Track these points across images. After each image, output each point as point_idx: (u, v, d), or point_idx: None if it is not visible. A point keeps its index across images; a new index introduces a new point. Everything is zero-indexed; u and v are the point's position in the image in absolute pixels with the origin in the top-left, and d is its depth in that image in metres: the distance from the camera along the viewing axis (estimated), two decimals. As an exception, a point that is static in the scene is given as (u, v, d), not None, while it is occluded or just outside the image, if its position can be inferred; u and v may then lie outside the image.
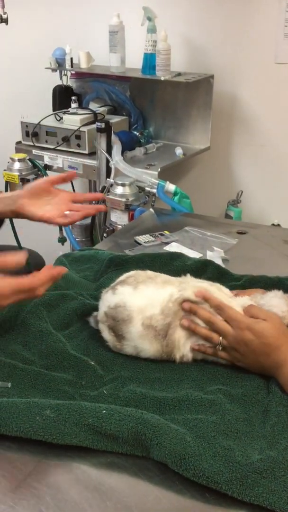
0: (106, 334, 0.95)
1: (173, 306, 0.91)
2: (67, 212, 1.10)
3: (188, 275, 1.01)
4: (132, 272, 1.00)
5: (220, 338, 0.89)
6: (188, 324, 0.91)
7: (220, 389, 0.85)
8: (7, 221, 2.33)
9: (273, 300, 0.92)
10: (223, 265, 1.27)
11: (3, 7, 1.95)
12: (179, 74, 2.06)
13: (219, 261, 1.30)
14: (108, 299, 0.96)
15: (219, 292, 0.94)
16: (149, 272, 1.00)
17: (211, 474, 0.69)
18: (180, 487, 0.71)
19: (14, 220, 2.31)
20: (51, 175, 1.12)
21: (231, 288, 1.08)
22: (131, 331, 0.92)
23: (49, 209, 1.10)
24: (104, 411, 0.76)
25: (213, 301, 0.91)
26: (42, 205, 1.09)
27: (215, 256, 1.35)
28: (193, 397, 0.83)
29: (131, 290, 0.94)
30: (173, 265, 1.20)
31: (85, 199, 1.17)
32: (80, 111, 2.18)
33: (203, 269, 1.19)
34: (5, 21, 1.96)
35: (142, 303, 0.92)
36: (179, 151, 2.12)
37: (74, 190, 2.51)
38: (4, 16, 1.96)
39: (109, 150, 1.99)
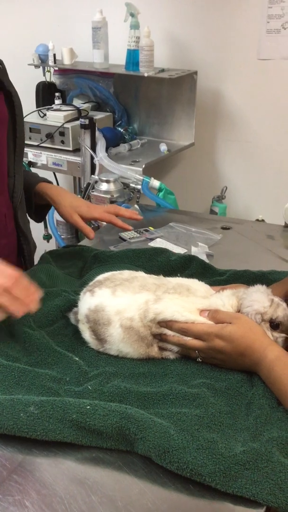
0: (88, 337, 0.96)
1: (148, 328, 0.93)
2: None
3: (161, 276, 1.01)
4: (108, 274, 1.01)
5: (197, 352, 0.91)
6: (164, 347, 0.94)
7: (204, 382, 0.86)
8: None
9: (255, 295, 0.93)
10: (207, 261, 1.28)
11: (-16, 2, 1.94)
12: (162, 70, 2.06)
13: (203, 257, 1.31)
14: (87, 301, 0.96)
15: (187, 297, 0.94)
16: (126, 274, 1.00)
17: (194, 467, 0.70)
18: (164, 480, 0.72)
19: None
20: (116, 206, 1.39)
21: (215, 283, 1.09)
22: (112, 334, 0.92)
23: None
24: (88, 407, 0.76)
25: (175, 327, 0.92)
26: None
27: (200, 251, 1.35)
28: (177, 391, 0.83)
29: (109, 293, 0.95)
30: (157, 261, 1.21)
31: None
32: (64, 107, 2.18)
33: (187, 265, 1.20)
34: (-13, 17, 1.95)
35: (120, 308, 0.93)
36: (163, 147, 2.12)
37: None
38: (-14, 12, 1.95)
39: (93, 146, 1.99)
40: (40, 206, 1.36)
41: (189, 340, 0.91)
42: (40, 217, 1.41)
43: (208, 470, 0.70)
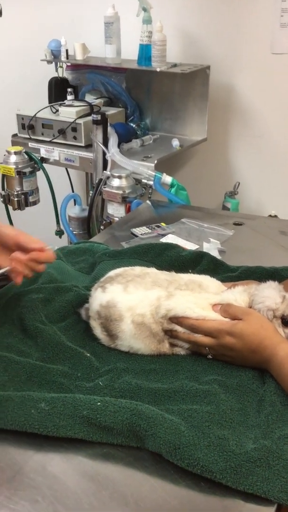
0: (99, 333, 0.96)
1: (159, 324, 0.92)
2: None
3: (173, 272, 1.01)
4: (119, 270, 1.01)
5: (207, 349, 0.91)
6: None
7: (215, 379, 0.86)
8: (3, 216, 2.33)
9: (266, 291, 0.92)
10: (219, 257, 1.27)
11: (-3, -2, 1.93)
12: (175, 65, 2.05)
13: (215, 253, 1.31)
14: (99, 297, 0.96)
15: (199, 294, 0.94)
16: (138, 270, 1.00)
17: (205, 464, 0.70)
18: (175, 476, 0.72)
19: (11, 212, 2.31)
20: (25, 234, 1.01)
21: (227, 279, 1.08)
22: (123, 330, 0.92)
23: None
24: (99, 403, 0.76)
25: (185, 324, 0.91)
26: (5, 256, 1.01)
27: (212, 247, 1.35)
28: (188, 388, 0.83)
29: (120, 289, 0.95)
30: (167, 255, 1.20)
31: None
32: (76, 103, 2.18)
33: (198, 261, 1.19)
34: None
35: (132, 304, 0.93)
36: (175, 142, 2.11)
37: (71, 183, 2.51)
38: (-1, 8, 1.95)
39: (105, 142, 1.99)
40: None
41: (200, 337, 0.91)
42: None
43: (219, 467, 0.69)
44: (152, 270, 1.01)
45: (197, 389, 0.83)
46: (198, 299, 0.93)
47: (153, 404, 0.79)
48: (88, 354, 0.92)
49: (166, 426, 0.73)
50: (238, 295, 0.94)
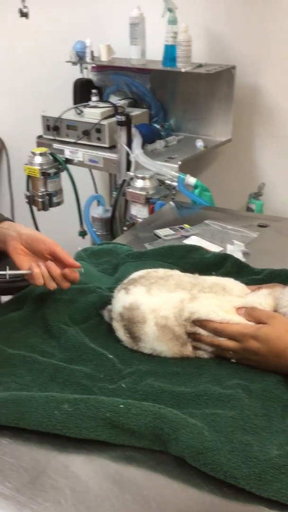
0: (122, 335, 0.96)
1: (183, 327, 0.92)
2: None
3: (196, 274, 1.00)
4: (143, 272, 1.00)
5: (231, 352, 0.90)
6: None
7: (239, 384, 0.85)
8: (27, 217, 2.35)
9: (292, 295, 0.91)
10: (243, 259, 1.26)
11: (23, 1, 1.95)
12: (200, 66, 2.04)
13: (239, 255, 1.29)
14: (122, 299, 0.96)
15: (223, 297, 0.93)
16: (161, 272, 1.00)
17: (229, 469, 0.69)
18: (198, 481, 0.71)
19: (35, 212, 2.33)
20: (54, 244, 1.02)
21: (251, 282, 1.07)
22: (146, 332, 0.92)
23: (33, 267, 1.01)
24: (122, 406, 0.76)
25: (209, 327, 0.90)
26: (29, 260, 1.02)
27: (236, 249, 1.34)
28: (212, 392, 0.82)
29: (144, 292, 0.94)
30: (190, 258, 1.19)
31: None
32: (101, 104, 2.18)
33: (222, 263, 1.18)
34: (26, 15, 1.97)
35: (155, 306, 0.92)
36: (200, 143, 2.10)
37: (95, 184, 2.52)
38: (25, 10, 1.97)
39: (129, 143, 1.99)
40: None
41: (223, 341, 0.90)
42: None
43: (243, 473, 0.69)
44: (176, 273, 1.01)
45: (221, 394, 0.82)
46: (222, 302, 0.92)
47: (176, 408, 0.79)
48: (111, 356, 0.92)
49: (189, 430, 0.73)
50: (262, 298, 0.93)
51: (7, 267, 1.01)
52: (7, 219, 1.12)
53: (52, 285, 1.00)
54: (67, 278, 1.00)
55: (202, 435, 0.72)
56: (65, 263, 1.01)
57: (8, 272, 0.99)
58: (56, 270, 0.99)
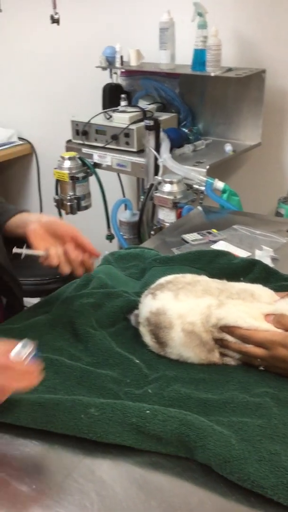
0: (148, 340, 0.96)
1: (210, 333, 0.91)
2: None
3: (224, 280, 0.99)
4: (170, 277, 1.00)
5: (259, 360, 0.89)
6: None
7: (267, 392, 0.83)
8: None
9: None
10: (272, 265, 1.24)
11: (54, 7, 1.98)
12: (229, 70, 2.02)
13: (268, 261, 1.28)
14: (149, 304, 0.96)
15: (251, 303, 0.92)
16: (188, 278, 0.99)
17: (256, 479, 0.68)
18: (224, 490, 0.70)
19: (63, 216, 2.35)
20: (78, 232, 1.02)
21: (280, 289, 1.05)
22: (173, 338, 0.92)
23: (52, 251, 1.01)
24: (148, 411, 0.76)
25: (236, 334, 0.89)
26: (49, 244, 1.02)
27: (264, 255, 1.32)
28: (239, 400, 0.81)
29: (171, 297, 0.94)
30: (218, 263, 1.19)
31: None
32: (129, 109, 2.19)
33: (250, 269, 1.17)
34: (57, 21, 2.00)
35: (182, 312, 0.92)
36: (228, 147, 2.09)
37: (122, 188, 2.53)
38: (56, 17, 2.00)
39: (157, 147, 1.99)
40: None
41: (251, 348, 0.88)
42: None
43: (270, 483, 0.67)
44: (203, 278, 1.00)
45: (248, 401, 0.81)
46: (250, 308, 0.91)
47: (202, 415, 0.78)
48: (138, 361, 0.92)
49: (216, 438, 0.72)
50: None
51: (24, 245, 1.02)
52: (27, 211, 1.14)
53: (66, 269, 0.99)
54: (84, 264, 1.00)
55: (230, 443, 0.71)
56: (86, 248, 1.00)
57: (24, 250, 1.00)
58: (74, 253, 0.99)
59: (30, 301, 1.31)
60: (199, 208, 1.71)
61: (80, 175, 2.15)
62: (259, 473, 0.68)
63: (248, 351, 0.89)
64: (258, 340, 0.88)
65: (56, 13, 1.98)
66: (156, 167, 2.00)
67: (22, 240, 1.06)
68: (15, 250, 1.01)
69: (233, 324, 0.89)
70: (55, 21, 2.00)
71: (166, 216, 1.86)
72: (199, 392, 0.84)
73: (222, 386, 0.86)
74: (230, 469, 0.69)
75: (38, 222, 1.04)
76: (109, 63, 2.28)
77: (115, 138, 2.12)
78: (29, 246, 1.03)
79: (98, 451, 0.76)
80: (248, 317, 0.90)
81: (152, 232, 1.93)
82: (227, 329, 0.90)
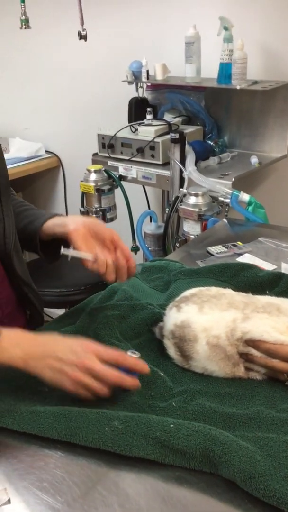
0: (173, 353, 0.96)
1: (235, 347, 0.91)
2: None
3: (250, 293, 0.99)
4: (195, 290, 1.00)
5: (285, 375, 0.88)
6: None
7: (293, 407, 0.82)
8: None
9: None
10: (298, 278, 1.23)
11: (82, 24, 2.02)
12: (255, 82, 2.02)
13: (294, 274, 1.26)
14: (173, 317, 0.96)
15: (277, 317, 0.91)
16: (213, 290, 0.99)
17: (282, 495, 0.67)
18: (249, 506, 0.69)
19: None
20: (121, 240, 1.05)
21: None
22: (198, 351, 0.91)
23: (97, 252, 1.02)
24: (172, 425, 0.75)
25: (262, 348, 0.89)
26: (92, 246, 1.03)
27: (290, 268, 1.31)
28: (265, 415, 0.80)
29: (196, 310, 0.94)
30: (244, 276, 1.18)
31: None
32: (155, 122, 2.21)
33: (276, 282, 1.16)
34: (84, 37, 2.03)
35: (207, 325, 0.92)
36: (254, 160, 2.08)
37: (147, 200, 2.54)
38: (83, 33, 2.03)
39: (182, 160, 2.00)
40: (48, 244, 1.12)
41: (277, 363, 0.88)
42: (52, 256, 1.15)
43: (296, 501, 0.66)
44: (228, 291, 1.00)
45: (274, 417, 0.80)
46: (276, 322, 0.90)
47: (227, 430, 0.77)
48: (162, 373, 0.92)
49: (241, 453, 0.71)
50: None
51: (71, 246, 1.00)
52: (62, 215, 1.14)
53: (112, 277, 1.00)
54: (128, 271, 1.01)
55: (255, 459, 0.71)
56: (125, 254, 1.01)
57: (71, 252, 0.98)
58: (123, 262, 1.00)
59: (55, 312, 1.32)
60: (225, 220, 1.70)
61: (106, 187, 2.17)
62: (285, 490, 0.67)
63: (274, 366, 0.88)
64: (284, 355, 0.87)
65: (84, 30, 2.02)
66: (181, 180, 2.00)
67: (59, 242, 1.05)
68: (63, 251, 1.00)
69: (259, 338, 0.89)
70: (82, 37, 2.03)
71: (191, 228, 1.87)
72: (224, 406, 0.83)
73: (248, 400, 0.85)
74: (255, 485, 0.69)
75: (81, 222, 1.04)
76: (135, 77, 2.30)
77: (140, 151, 2.14)
78: (67, 246, 1.03)
79: (122, 464, 0.76)
80: (274, 331, 0.89)
81: (177, 245, 1.94)
82: (252, 343, 0.89)
